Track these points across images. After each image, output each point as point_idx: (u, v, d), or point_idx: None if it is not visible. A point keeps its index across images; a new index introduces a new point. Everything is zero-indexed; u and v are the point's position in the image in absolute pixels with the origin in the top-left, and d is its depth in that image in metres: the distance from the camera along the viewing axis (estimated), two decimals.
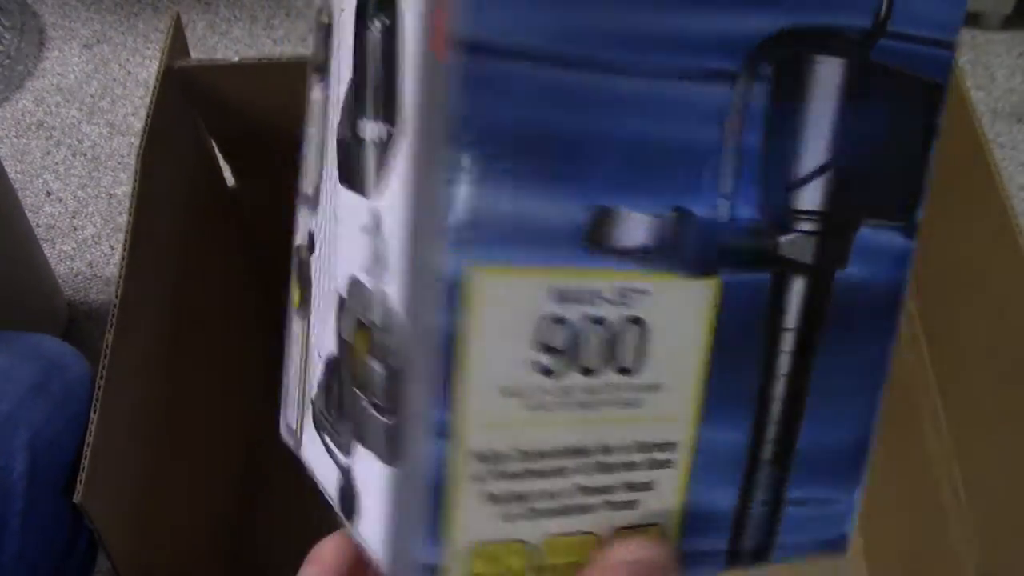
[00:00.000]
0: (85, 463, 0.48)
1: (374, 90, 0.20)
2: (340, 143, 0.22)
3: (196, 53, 0.64)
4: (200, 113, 0.68)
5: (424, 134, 0.18)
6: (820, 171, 0.20)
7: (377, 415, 0.20)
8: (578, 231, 0.18)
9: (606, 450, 0.20)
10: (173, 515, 0.65)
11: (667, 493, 0.21)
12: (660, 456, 0.21)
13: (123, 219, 1.14)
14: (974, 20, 1.32)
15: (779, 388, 0.22)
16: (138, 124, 1.22)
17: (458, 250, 0.18)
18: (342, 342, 0.22)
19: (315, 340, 0.24)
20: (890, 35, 0.20)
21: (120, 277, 0.55)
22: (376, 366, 0.20)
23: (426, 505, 0.19)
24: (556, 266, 0.19)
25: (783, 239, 0.21)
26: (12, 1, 1.32)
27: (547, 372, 0.19)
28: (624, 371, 0.20)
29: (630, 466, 0.21)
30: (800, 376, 0.22)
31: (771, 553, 0.23)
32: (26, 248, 0.96)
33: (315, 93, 0.24)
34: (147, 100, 0.60)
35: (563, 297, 0.19)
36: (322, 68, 0.23)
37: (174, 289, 0.65)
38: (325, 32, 0.23)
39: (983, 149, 0.55)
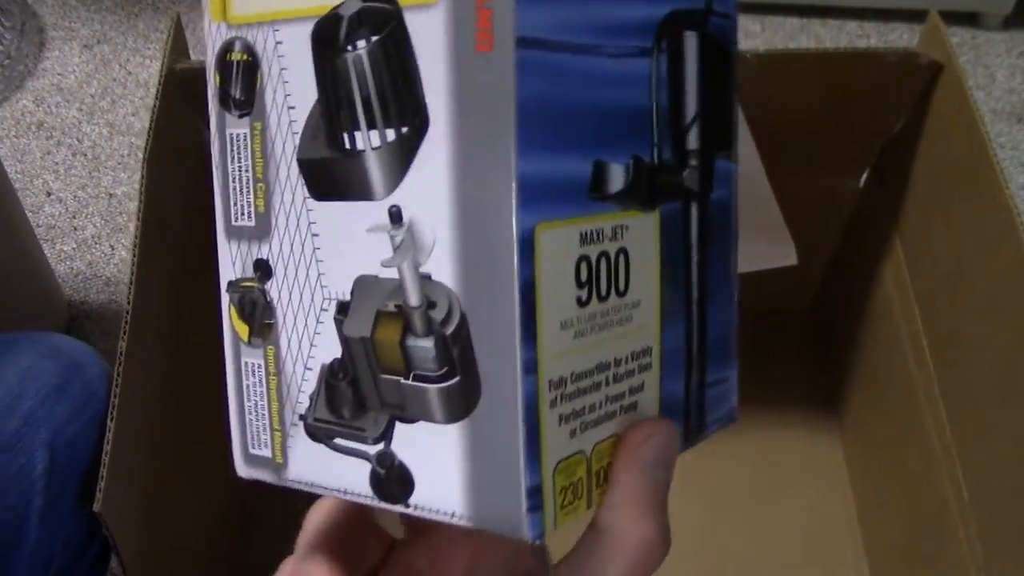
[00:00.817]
0: (103, 471, 0.48)
1: (370, 101, 0.23)
2: (309, 163, 0.24)
3: (196, 54, 0.64)
4: (202, 115, 0.68)
5: (467, 120, 0.21)
6: (695, 119, 0.26)
7: (428, 385, 0.23)
8: (584, 184, 0.23)
9: (617, 362, 0.24)
10: (183, 521, 0.65)
11: (651, 391, 0.26)
12: (644, 361, 0.25)
13: (123, 219, 1.15)
14: (974, 20, 1.32)
15: (695, 293, 0.27)
16: (138, 124, 1.22)
17: (527, 211, 0.21)
18: (353, 341, 0.24)
19: (293, 358, 0.26)
20: (712, 12, 0.27)
21: (131, 283, 0.55)
22: (422, 342, 0.23)
23: (524, 434, 0.22)
24: (579, 215, 0.23)
25: (684, 174, 0.26)
26: (12, 1, 1.31)
27: (581, 303, 0.23)
28: (620, 293, 0.24)
29: (630, 373, 0.25)
30: (703, 281, 0.27)
31: (704, 432, 0.28)
32: (26, 248, 0.96)
33: (232, 128, 0.26)
34: (147, 100, 0.61)
35: (585, 239, 0.23)
36: (242, 104, 0.26)
37: (180, 292, 0.65)
38: (244, 69, 0.25)
39: (986, 149, 0.55)
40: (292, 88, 0.24)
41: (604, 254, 0.23)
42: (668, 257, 0.26)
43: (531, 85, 0.21)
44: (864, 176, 0.77)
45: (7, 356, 0.61)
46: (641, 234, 0.25)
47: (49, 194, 1.17)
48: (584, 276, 0.23)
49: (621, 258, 0.24)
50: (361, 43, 0.23)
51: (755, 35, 1.30)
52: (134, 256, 0.56)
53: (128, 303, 0.54)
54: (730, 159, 0.28)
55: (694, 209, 0.26)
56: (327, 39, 0.23)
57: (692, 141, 0.26)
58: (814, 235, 0.81)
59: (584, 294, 0.23)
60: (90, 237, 1.12)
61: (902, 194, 0.70)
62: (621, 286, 0.24)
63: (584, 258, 0.23)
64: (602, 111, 0.23)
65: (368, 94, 0.23)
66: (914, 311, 0.68)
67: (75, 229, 1.13)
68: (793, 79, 0.64)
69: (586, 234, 0.23)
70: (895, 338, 0.71)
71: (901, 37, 1.32)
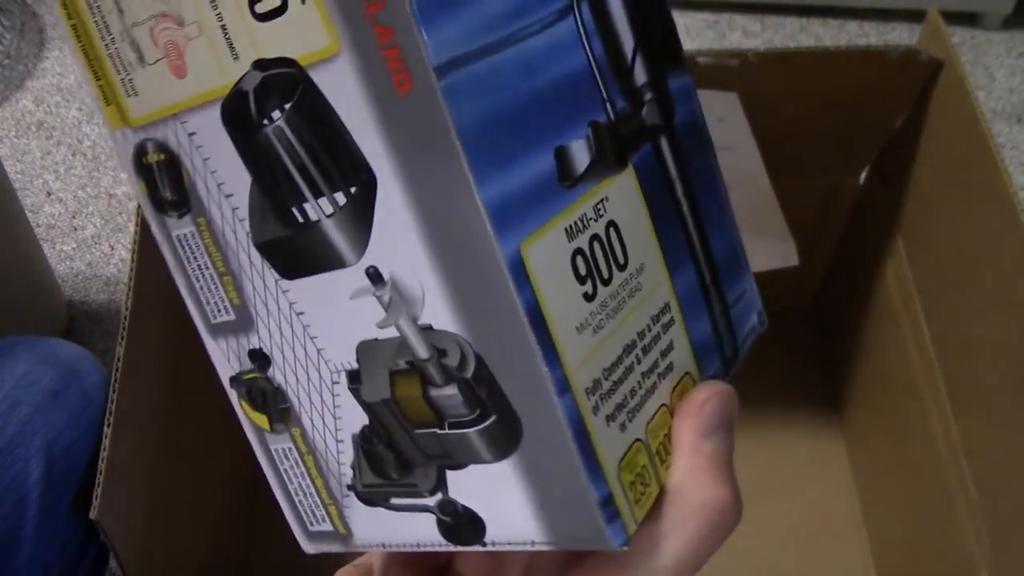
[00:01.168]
0: (100, 479, 0.48)
1: (307, 169, 0.22)
2: (268, 246, 0.23)
3: None
4: None
5: (414, 165, 0.20)
6: (635, 52, 0.25)
7: (466, 430, 0.22)
8: (552, 177, 0.22)
9: (641, 335, 0.24)
10: (182, 527, 0.65)
11: (681, 344, 0.25)
12: (665, 319, 0.25)
13: (123, 219, 1.15)
14: (974, 20, 1.32)
15: (691, 225, 0.26)
16: None
17: (506, 237, 0.20)
18: (376, 405, 0.24)
19: (322, 435, 0.25)
20: None
21: (130, 287, 0.55)
22: (446, 391, 0.22)
23: (579, 452, 0.21)
24: (559, 211, 0.22)
25: (643, 113, 0.25)
26: (12, 1, 1.31)
27: (588, 298, 0.22)
28: (621, 267, 0.23)
29: (656, 338, 0.24)
30: (696, 209, 0.26)
31: (739, 353, 0.28)
32: (26, 248, 0.96)
33: (177, 230, 0.25)
34: None
35: (571, 233, 0.22)
36: (176, 203, 0.24)
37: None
38: (166, 168, 0.24)
39: (988, 145, 0.55)
40: (222, 176, 0.23)
41: (595, 237, 0.23)
42: (655, 203, 0.25)
43: (465, 109, 0.20)
44: (864, 174, 0.77)
45: (4, 361, 0.61)
46: (623, 196, 0.24)
47: (49, 194, 1.16)
48: (583, 270, 0.22)
49: (612, 232, 0.23)
50: (276, 114, 0.21)
51: (755, 35, 1.31)
52: (133, 257, 0.56)
53: (126, 308, 0.54)
54: (681, 71, 0.26)
55: (664, 142, 0.25)
56: (239, 120, 0.22)
57: (640, 75, 0.25)
58: (815, 234, 0.81)
59: (589, 288, 0.22)
60: (90, 237, 1.12)
61: (903, 191, 0.70)
62: (620, 260, 0.23)
63: (578, 252, 0.22)
64: (545, 93, 0.22)
65: (302, 163, 0.22)
66: (916, 308, 0.68)
67: (75, 229, 1.13)
68: (793, 78, 0.64)
69: (571, 227, 0.22)
70: (897, 335, 0.71)
71: (901, 37, 1.32)
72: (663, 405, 0.24)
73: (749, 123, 0.64)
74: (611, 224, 0.23)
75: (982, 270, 0.58)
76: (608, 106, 0.23)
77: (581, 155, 0.22)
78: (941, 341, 0.65)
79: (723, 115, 0.64)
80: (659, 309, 0.24)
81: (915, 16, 1.33)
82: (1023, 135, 1.19)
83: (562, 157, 0.22)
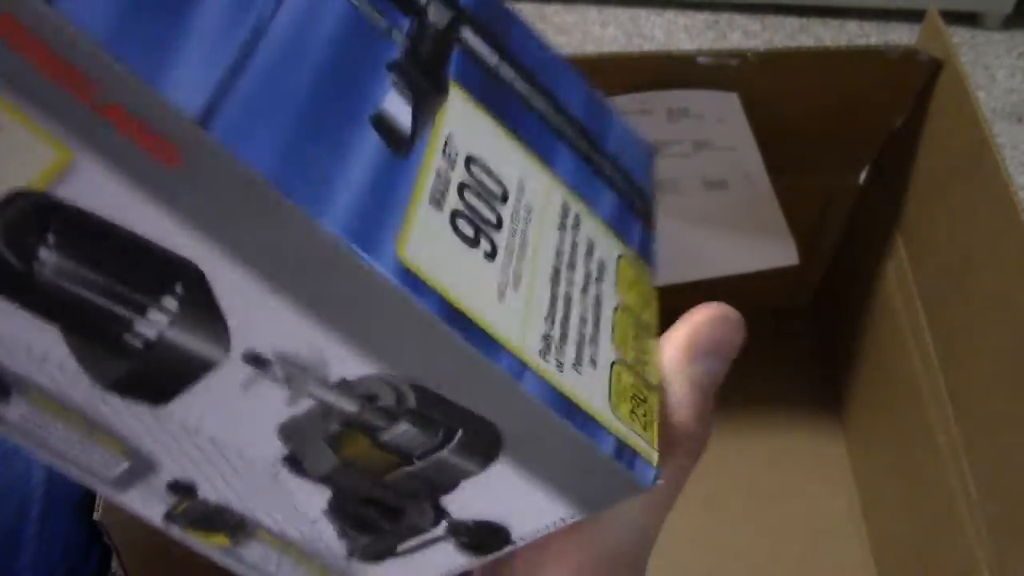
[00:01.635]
0: None
1: (113, 290, 0.18)
2: (122, 382, 0.20)
3: None
4: None
5: (235, 231, 0.17)
6: None
7: (438, 454, 0.20)
8: (386, 153, 0.18)
9: (559, 254, 0.21)
10: None
11: (599, 234, 0.23)
12: (571, 219, 0.22)
13: None
14: (974, 20, 1.32)
15: (536, 100, 0.22)
16: None
17: (376, 248, 0.17)
18: (328, 476, 0.22)
19: (290, 526, 0.23)
20: None
21: None
22: (398, 429, 0.20)
23: (570, 421, 0.19)
24: (412, 185, 0.18)
25: (430, 15, 0.21)
26: None
27: (490, 256, 0.19)
28: (503, 199, 0.20)
29: (575, 247, 0.22)
30: (533, 80, 0.23)
31: (647, 190, 0.25)
32: None
33: (14, 415, 0.22)
34: None
35: (436, 200, 0.19)
36: None
37: None
38: None
39: (988, 144, 0.56)
40: (19, 341, 0.20)
41: (462, 187, 0.19)
42: (494, 104, 0.21)
43: (257, 142, 0.16)
44: (864, 174, 0.77)
45: None
46: (463, 121, 0.20)
47: None
48: (470, 230, 0.19)
49: (474, 168, 0.20)
50: (42, 252, 0.18)
51: (755, 35, 1.31)
52: None
53: None
54: None
55: (466, 32, 0.22)
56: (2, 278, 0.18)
57: None
58: (815, 234, 0.81)
59: (486, 246, 0.19)
60: None
61: (903, 190, 0.70)
62: (497, 191, 0.20)
63: (455, 214, 0.19)
64: (325, 64, 0.17)
65: (105, 287, 0.18)
66: (917, 307, 0.68)
67: None
68: (793, 78, 0.64)
69: (434, 193, 0.18)
70: (898, 335, 0.71)
71: (901, 37, 1.32)
72: (615, 307, 0.22)
73: (749, 123, 0.64)
74: (469, 160, 0.20)
75: (982, 270, 0.58)
76: (395, 35, 0.19)
77: (400, 108, 0.19)
78: (941, 341, 0.65)
79: (723, 115, 0.64)
80: (560, 213, 0.22)
81: (915, 16, 1.33)
82: (1023, 135, 1.19)
83: (382, 124, 0.18)
